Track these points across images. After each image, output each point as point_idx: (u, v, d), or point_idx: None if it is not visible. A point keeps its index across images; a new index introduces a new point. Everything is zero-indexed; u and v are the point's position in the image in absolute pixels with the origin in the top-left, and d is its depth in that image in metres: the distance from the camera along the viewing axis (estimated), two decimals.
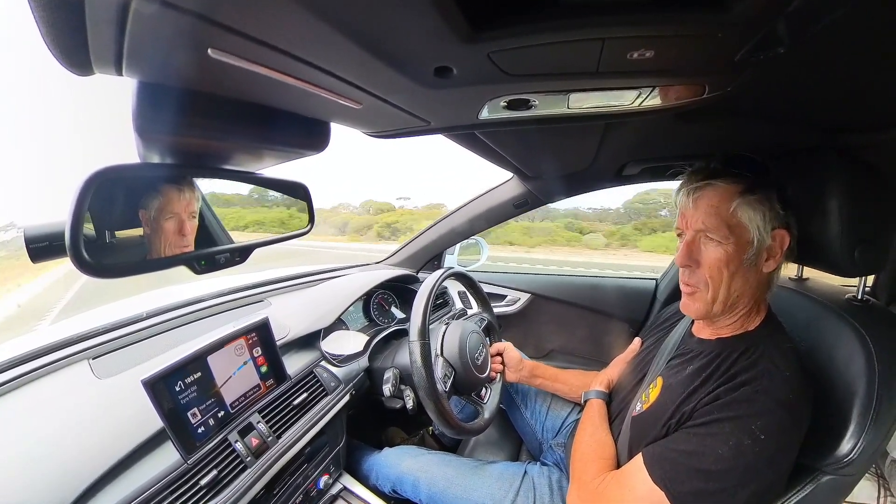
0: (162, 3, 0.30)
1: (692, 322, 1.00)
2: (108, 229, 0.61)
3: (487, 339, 1.37)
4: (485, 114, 0.70)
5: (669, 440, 0.79)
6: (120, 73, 0.43)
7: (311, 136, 0.71)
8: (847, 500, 1.10)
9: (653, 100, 0.64)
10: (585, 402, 1.13)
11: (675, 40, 0.47)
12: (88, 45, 0.37)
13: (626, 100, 0.64)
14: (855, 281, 0.97)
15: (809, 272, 1.12)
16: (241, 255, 0.74)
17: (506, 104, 0.65)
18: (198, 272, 0.68)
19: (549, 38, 0.44)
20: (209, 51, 0.38)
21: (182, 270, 0.69)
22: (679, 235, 0.88)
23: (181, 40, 0.38)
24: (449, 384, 1.13)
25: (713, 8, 0.40)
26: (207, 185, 0.79)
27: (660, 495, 0.72)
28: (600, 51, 0.47)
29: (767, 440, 0.69)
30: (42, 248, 0.56)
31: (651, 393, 0.91)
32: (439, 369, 1.14)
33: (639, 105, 0.66)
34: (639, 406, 0.92)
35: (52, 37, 0.35)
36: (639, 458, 0.79)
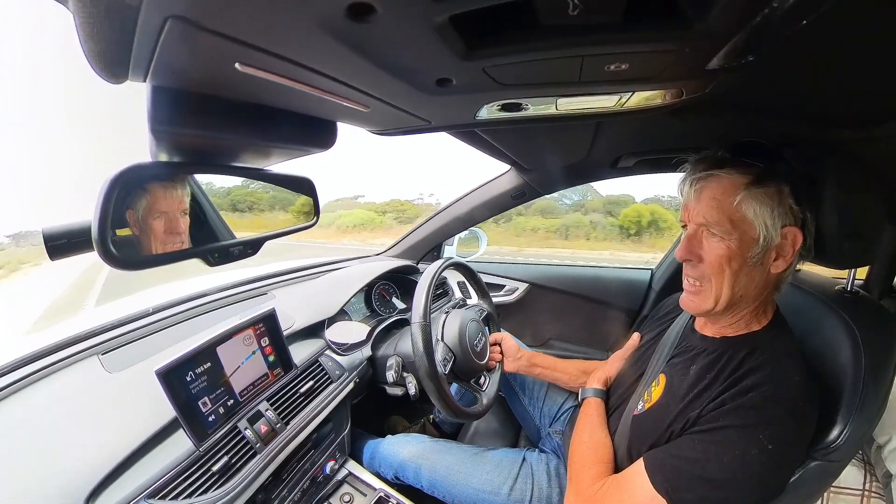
0: (198, 26, 0.33)
1: (693, 316, 0.97)
2: (113, 227, 0.62)
3: (486, 328, 1.39)
4: (481, 114, 0.73)
5: (672, 446, 0.76)
6: (145, 80, 0.45)
7: (319, 134, 0.73)
8: (834, 485, 1.12)
9: (635, 101, 0.67)
10: (583, 400, 1.10)
11: (646, 55, 0.50)
12: (130, 59, 0.39)
13: (609, 102, 0.67)
14: (846, 273, 0.98)
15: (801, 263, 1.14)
16: (252, 247, 0.76)
17: (500, 107, 0.68)
18: (211, 264, 0.70)
19: (534, 56, 0.48)
20: (236, 65, 0.41)
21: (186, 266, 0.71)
22: (683, 227, 0.84)
23: (212, 56, 0.41)
24: (448, 368, 1.16)
25: (676, 26, 0.43)
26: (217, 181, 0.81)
27: (661, 502, 0.70)
28: (581, 65, 0.51)
29: (774, 449, 0.67)
30: (60, 245, 0.58)
31: (654, 392, 0.88)
32: (439, 353, 1.16)
33: (622, 107, 0.69)
34: (640, 405, 0.89)
35: (96, 52, 0.37)
36: (640, 464, 0.76)
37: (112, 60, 0.39)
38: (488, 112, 0.71)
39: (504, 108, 0.69)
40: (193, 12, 0.33)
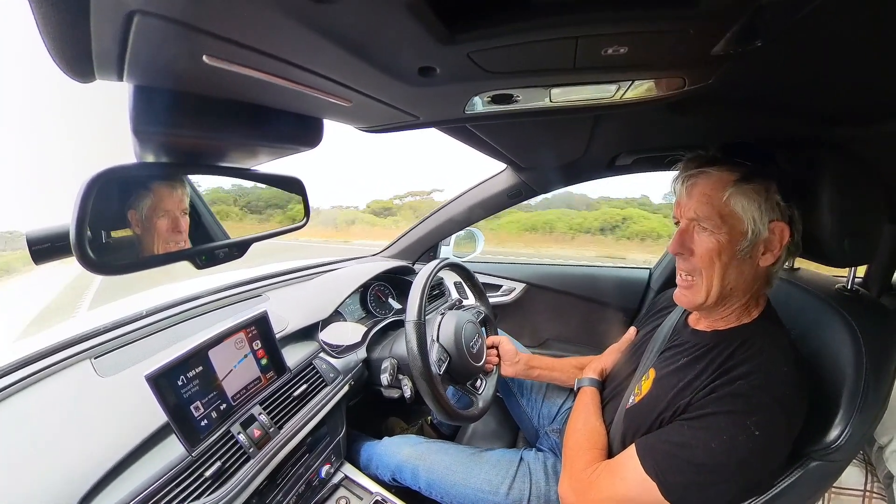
0: (160, 17, 0.32)
1: (686, 312, 0.99)
2: (105, 229, 0.62)
3: (483, 329, 1.39)
4: (471, 108, 0.71)
5: (663, 432, 0.79)
6: (121, 79, 0.44)
7: (305, 132, 0.73)
8: (835, 485, 1.11)
9: (634, 92, 0.65)
10: (578, 389, 1.13)
11: (646, 36, 0.48)
12: (92, 56, 0.38)
13: (607, 93, 0.65)
14: (845, 271, 0.98)
15: (800, 262, 1.13)
16: (238, 249, 0.76)
17: (490, 99, 0.66)
18: (199, 267, 0.69)
19: (523, 38, 0.46)
20: (204, 58, 0.39)
21: (179, 268, 0.70)
22: (676, 224, 0.87)
23: (178, 49, 0.40)
24: (443, 369, 1.15)
25: (680, 4, 0.41)
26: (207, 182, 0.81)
27: (651, 485, 0.73)
28: (575, 48, 0.49)
29: (761, 436, 0.69)
30: (44, 249, 0.57)
31: (643, 385, 0.91)
32: (434, 354, 1.15)
33: (620, 98, 0.67)
34: (631, 399, 0.92)
35: (56, 49, 0.36)
36: (631, 449, 0.79)
37: (71, 57, 0.38)
38: (479, 105, 0.70)
39: (494, 100, 0.67)
40: (156, 4, 0.32)
